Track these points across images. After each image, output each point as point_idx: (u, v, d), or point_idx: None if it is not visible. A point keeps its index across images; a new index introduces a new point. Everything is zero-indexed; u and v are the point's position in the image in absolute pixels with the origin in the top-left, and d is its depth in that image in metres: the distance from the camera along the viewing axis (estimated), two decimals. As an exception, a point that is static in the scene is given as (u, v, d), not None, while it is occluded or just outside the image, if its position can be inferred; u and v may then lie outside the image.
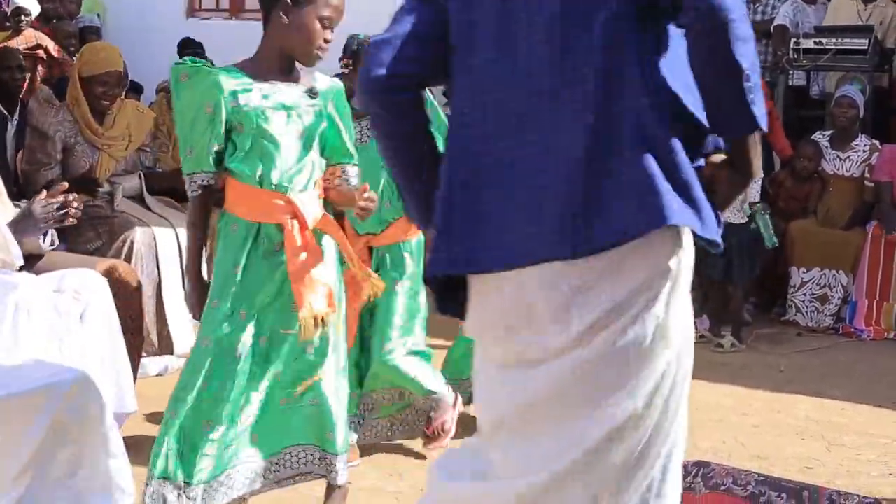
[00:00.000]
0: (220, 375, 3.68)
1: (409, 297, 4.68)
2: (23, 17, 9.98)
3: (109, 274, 4.78)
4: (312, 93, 3.74)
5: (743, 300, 7.36)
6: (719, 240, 2.44)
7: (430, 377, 4.70)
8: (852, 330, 7.65)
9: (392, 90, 2.58)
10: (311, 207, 3.74)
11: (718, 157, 2.49)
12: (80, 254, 5.43)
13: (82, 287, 4.50)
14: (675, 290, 2.45)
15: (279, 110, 3.65)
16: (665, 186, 2.33)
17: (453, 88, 2.62)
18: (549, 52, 2.43)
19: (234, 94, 3.60)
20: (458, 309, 2.62)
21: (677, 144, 2.37)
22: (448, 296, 2.63)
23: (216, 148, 3.64)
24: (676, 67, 2.42)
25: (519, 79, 2.47)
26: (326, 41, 3.65)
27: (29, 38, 9.82)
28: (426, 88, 2.76)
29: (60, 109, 5.93)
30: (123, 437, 3.93)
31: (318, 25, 3.61)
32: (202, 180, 3.68)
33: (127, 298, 4.86)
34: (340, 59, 4.45)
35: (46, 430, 3.75)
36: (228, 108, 3.60)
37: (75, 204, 4.36)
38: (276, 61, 3.69)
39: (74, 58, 8.63)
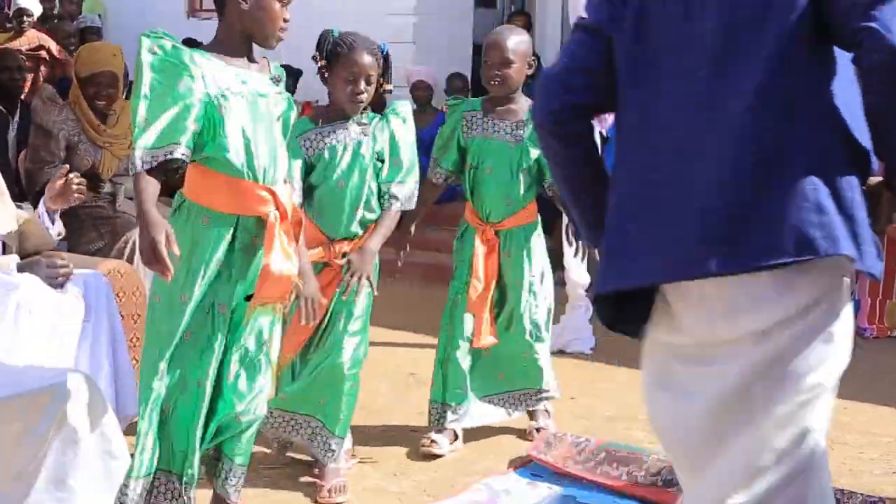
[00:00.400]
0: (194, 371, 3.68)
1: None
2: (25, 18, 10.00)
3: (112, 275, 4.78)
4: (276, 80, 3.69)
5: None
6: (877, 272, 2.51)
7: None
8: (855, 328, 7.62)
9: (566, 122, 2.72)
10: (287, 201, 3.68)
11: (875, 180, 2.55)
12: (81, 254, 5.44)
13: (85, 288, 4.51)
14: (840, 307, 2.53)
15: (258, 97, 3.58)
16: (833, 210, 2.40)
17: (620, 114, 2.73)
18: (716, 73, 2.51)
19: (214, 77, 3.49)
20: (629, 327, 2.77)
21: (845, 167, 2.45)
22: (618, 315, 2.75)
23: (194, 127, 3.44)
24: (844, 89, 2.48)
25: (688, 101, 2.54)
26: (285, 20, 3.61)
27: (31, 38, 9.85)
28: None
29: (63, 108, 5.93)
30: (125, 438, 3.92)
31: (277, 6, 3.55)
32: (167, 154, 3.40)
33: (129, 299, 4.85)
34: (316, 59, 4.29)
35: (48, 432, 3.74)
36: (209, 87, 3.46)
37: (76, 181, 4.39)
38: (240, 46, 3.60)
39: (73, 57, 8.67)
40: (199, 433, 3.69)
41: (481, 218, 4.94)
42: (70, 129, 5.88)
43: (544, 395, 5.17)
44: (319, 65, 4.23)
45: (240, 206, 3.57)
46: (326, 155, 4.28)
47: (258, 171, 3.55)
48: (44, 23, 10.68)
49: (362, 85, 4.20)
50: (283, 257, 3.58)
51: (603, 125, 6.69)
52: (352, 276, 4.28)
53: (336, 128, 4.31)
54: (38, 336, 4.20)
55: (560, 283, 7.60)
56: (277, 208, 3.58)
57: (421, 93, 10.01)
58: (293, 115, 3.78)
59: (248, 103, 3.53)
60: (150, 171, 3.42)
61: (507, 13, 11.71)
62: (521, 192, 4.94)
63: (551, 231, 8.68)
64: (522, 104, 4.91)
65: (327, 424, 4.41)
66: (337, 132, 4.31)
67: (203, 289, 3.57)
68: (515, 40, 4.82)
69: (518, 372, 5.09)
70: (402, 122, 4.40)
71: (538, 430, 5.11)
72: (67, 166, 4.46)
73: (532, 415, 5.21)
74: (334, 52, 4.20)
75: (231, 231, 3.57)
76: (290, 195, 3.74)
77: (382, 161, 4.36)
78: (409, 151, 4.40)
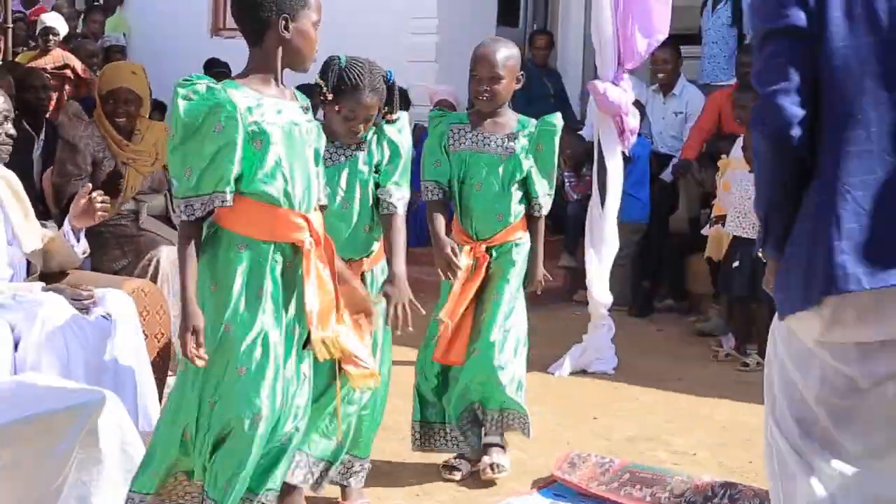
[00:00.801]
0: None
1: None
2: (51, 37, 10.06)
3: (136, 294, 4.79)
4: (305, 109, 3.68)
5: (768, 317, 7.29)
6: None
7: None
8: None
9: (799, 137, 2.78)
10: (321, 227, 3.67)
11: None
12: (105, 272, 5.47)
13: (110, 307, 4.52)
14: None
15: (293, 126, 3.56)
16: None
17: (841, 117, 2.78)
18: None
19: (249, 109, 3.46)
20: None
21: None
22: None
23: (237, 169, 3.43)
24: None
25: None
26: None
27: (56, 57, 9.91)
28: None
29: (89, 125, 5.98)
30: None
31: (314, 32, 3.59)
32: (219, 201, 3.42)
33: (153, 318, 4.87)
34: (321, 87, 4.13)
35: (71, 451, 3.76)
36: (246, 124, 3.43)
37: (100, 199, 4.39)
38: (272, 76, 3.59)
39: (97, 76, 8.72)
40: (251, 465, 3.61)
41: (470, 235, 4.80)
42: (95, 144, 5.91)
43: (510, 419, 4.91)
44: (324, 91, 4.10)
45: (276, 234, 3.54)
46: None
47: (294, 198, 3.54)
48: (68, 42, 10.74)
49: (361, 125, 4.14)
50: (318, 288, 3.57)
51: (626, 145, 6.69)
52: (395, 308, 4.18)
53: (331, 149, 4.17)
54: (63, 354, 4.22)
55: (583, 302, 7.61)
56: (311, 235, 3.57)
57: (444, 112, 9.98)
58: (323, 142, 3.77)
59: (283, 133, 3.51)
60: (195, 221, 3.45)
61: (528, 31, 11.71)
62: (514, 205, 4.79)
63: (574, 250, 8.71)
64: (510, 117, 4.80)
65: (349, 447, 4.38)
66: (333, 153, 4.21)
67: (245, 318, 3.50)
68: (505, 54, 4.70)
69: (480, 391, 4.85)
70: (397, 131, 4.32)
71: (493, 466, 4.81)
72: (90, 185, 4.47)
73: (485, 449, 4.91)
74: (339, 88, 4.09)
75: (268, 258, 3.53)
76: (322, 221, 3.71)
77: (379, 172, 4.28)
78: (405, 156, 4.29)
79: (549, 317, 8.33)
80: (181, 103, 3.39)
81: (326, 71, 4.11)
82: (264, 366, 3.49)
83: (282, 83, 3.62)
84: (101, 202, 4.57)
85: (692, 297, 8.65)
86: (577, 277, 8.59)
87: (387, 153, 4.25)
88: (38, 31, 10.39)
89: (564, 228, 9.06)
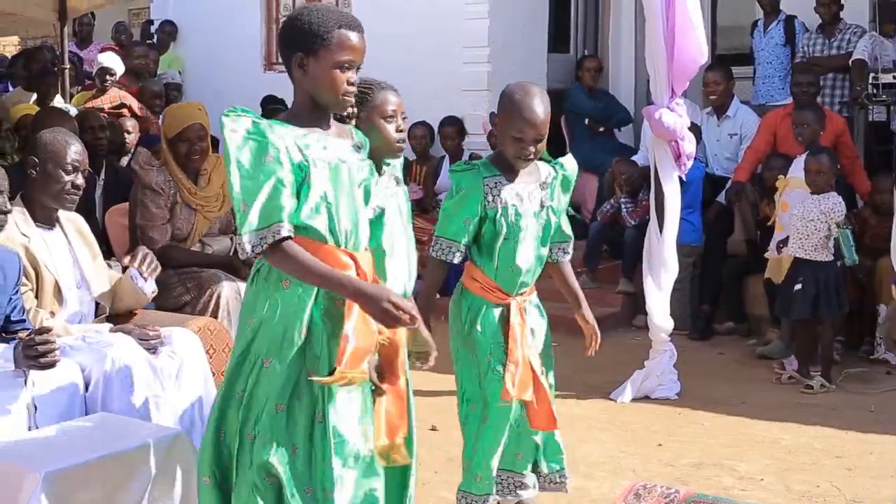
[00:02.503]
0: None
1: None
2: (108, 77, 10.20)
3: (202, 332, 4.85)
4: (358, 147, 3.63)
5: (832, 339, 7.26)
6: None
7: None
8: (944, 366, 7.53)
9: None
10: (370, 267, 3.61)
11: None
12: (168, 308, 5.51)
13: (177, 345, 4.58)
14: None
15: (340, 163, 3.50)
16: None
17: None
18: None
19: (295, 145, 3.39)
20: None
21: None
22: None
23: (293, 202, 3.36)
24: None
25: None
26: (350, 83, 3.49)
27: (113, 97, 10.04)
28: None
29: (161, 171, 5.95)
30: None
31: (336, 72, 3.44)
32: (274, 234, 3.31)
33: (219, 356, 4.92)
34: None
35: (144, 489, 3.81)
36: (293, 159, 3.37)
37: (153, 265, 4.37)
38: (314, 111, 3.52)
39: (160, 117, 8.82)
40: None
41: (508, 292, 4.44)
42: (169, 190, 5.92)
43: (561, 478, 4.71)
44: (349, 112, 3.92)
45: None
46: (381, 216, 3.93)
47: (340, 235, 3.49)
48: (133, 81, 10.86)
49: (401, 121, 4.05)
50: (363, 325, 3.49)
51: (682, 169, 6.69)
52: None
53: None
54: (132, 394, 4.28)
55: (642, 327, 7.60)
56: (358, 273, 3.51)
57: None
58: (374, 181, 3.69)
59: (329, 169, 3.46)
60: (260, 255, 3.36)
61: (579, 57, 11.73)
62: (546, 254, 4.57)
63: (632, 276, 8.70)
64: (538, 163, 4.51)
65: None
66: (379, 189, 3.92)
67: (289, 355, 3.44)
68: (546, 110, 4.38)
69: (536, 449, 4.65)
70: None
71: None
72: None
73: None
74: (362, 99, 3.96)
75: (313, 296, 3.47)
76: (371, 261, 3.66)
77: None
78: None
79: (609, 342, 8.23)
80: (231, 137, 3.34)
81: None
82: (300, 407, 3.45)
83: (326, 120, 3.55)
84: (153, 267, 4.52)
85: (751, 319, 8.60)
86: (635, 303, 8.58)
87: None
88: (94, 72, 10.54)
89: (622, 254, 9.06)
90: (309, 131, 3.46)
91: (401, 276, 3.95)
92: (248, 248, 3.34)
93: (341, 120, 3.82)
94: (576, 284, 4.75)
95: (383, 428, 3.53)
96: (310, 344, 3.45)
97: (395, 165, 4.10)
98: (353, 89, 3.52)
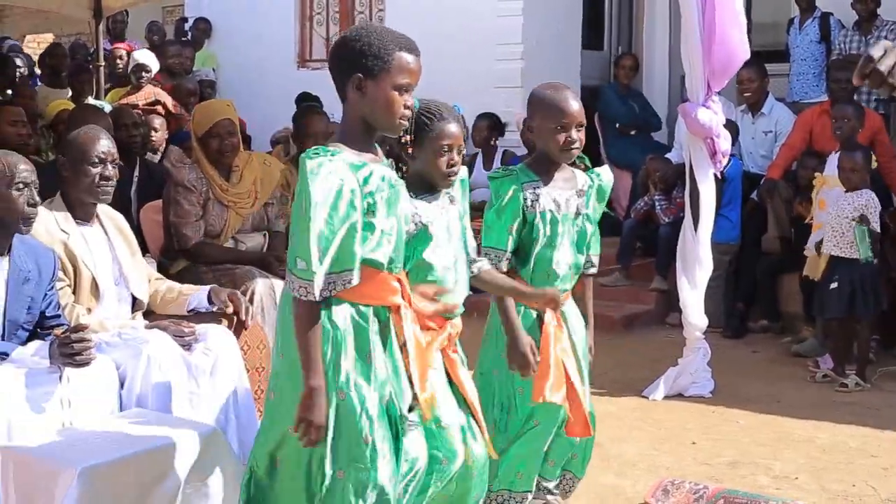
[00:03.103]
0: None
1: None
2: (143, 74, 10.24)
3: (236, 329, 4.86)
4: (392, 167, 3.60)
5: (868, 338, 7.21)
6: None
7: None
8: (980, 365, 7.47)
9: None
10: (409, 287, 3.61)
11: None
12: (203, 305, 5.52)
13: (211, 342, 4.59)
14: None
15: (391, 189, 3.45)
16: None
17: None
18: None
19: (366, 180, 3.34)
20: None
21: None
22: None
23: (360, 249, 3.33)
24: None
25: None
26: (407, 107, 3.46)
27: (148, 94, 10.10)
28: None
29: (192, 168, 5.98)
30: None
31: (395, 95, 3.41)
32: (345, 283, 3.32)
33: (254, 353, 4.93)
34: (396, 141, 3.92)
35: (179, 485, 3.83)
36: (364, 198, 3.33)
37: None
38: (365, 134, 3.48)
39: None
40: None
41: None
42: (202, 187, 5.93)
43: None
44: (404, 140, 3.84)
45: (376, 297, 3.47)
46: (426, 231, 3.91)
47: (394, 262, 3.50)
48: (168, 78, 10.91)
49: (456, 156, 3.95)
50: (416, 348, 3.53)
51: (718, 167, 6.66)
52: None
53: (428, 201, 3.95)
54: (167, 391, 4.29)
55: (676, 325, 7.57)
56: (403, 295, 3.53)
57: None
58: (408, 201, 3.69)
59: (385, 199, 3.42)
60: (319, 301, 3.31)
61: (614, 55, 11.71)
62: (582, 262, 4.55)
63: (665, 273, 8.67)
64: (571, 170, 4.49)
65: None
66: (429, 206, 3.94)
67: (347, 381, 3.40)
68: (579, 103, 4.38)
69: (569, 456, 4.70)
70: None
71: None
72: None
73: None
74: (421, 128, 3.88)
75: (369, 321, 3.44)
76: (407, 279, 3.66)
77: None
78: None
79: (643, 340, 8.31)
80: (310, 178, 3.25)
81: None
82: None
83: (374, 143, 3.53)
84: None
85: (785, 317, 8.56)
86: (669, 300, 8.55)
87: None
88: (130, 69, 10.59)
89: (656, 251, 9.03)
90: (367, 162, 3.40)
91: (461, 284, 3.97)
92: (316, 292, 3.27)
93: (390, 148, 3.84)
94: (590, 304, 4.71)
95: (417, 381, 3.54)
96: (376, 370, 3.44)
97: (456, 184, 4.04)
98: (409, 113, 3.49)
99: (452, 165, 3.93)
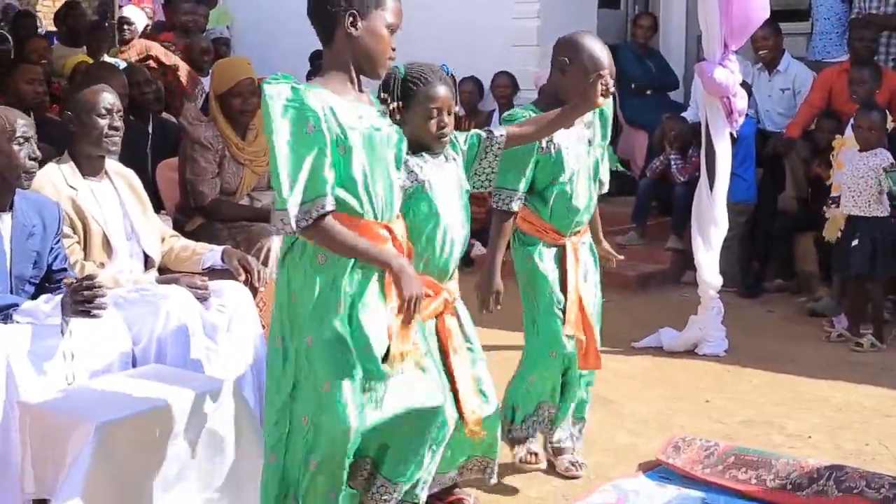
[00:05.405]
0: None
1: None
2: (125, 27, 10.17)
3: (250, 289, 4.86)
4: (383, 113, 3.59)
5: (883, 297, 7.20)
6: None
7: None
8: None
9: None
10: (404, 236, 3.59)
11: None
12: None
13: (227, 299, 4.60)
14: None
15: (373, 131, 3.44)
16: None
17: None
18: None
19: (333, 111, 3.32)
20: None
21: None
22: None
23: (333, 174, 3.30)
24: None
25: None
26: (393, 49, 3.49)
27: (140, 49, 9.99)
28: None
29: (209, 126, 5.96)
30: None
31: (387, 33, 3.45)
32: (319, 208, 3.27)
33: (269, 310, 4.92)
34: (386, 101, 3.88)
35: (197, 440, 3.85)
36: (332, 128, 3.31)
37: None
38: (348, 79, 3.45)
39: (209, 74, 8.80)
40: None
41: (563, 232, 4.59)
42: (218, 145, 5.91)
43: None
44: (392, 107, 3.85)
45: None
46: (422, 188, 3.94)
47: (376, 208, 3.45)
48: (182, 36, 10.84)
49: (446, 118, 3.94)
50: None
51: (734, 126, 6.63)
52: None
53: (425, 159, 3.96)
54: (185, 346, 4.30)
55: (691, 284, 7.56)
56: (394, 244, 3.50)
57: (549, 95, 9.96)
58: (405, 146, 3.64)
59: (364, 139, 3.40)
60: (305, 229, 3.29)
61: (631, 14, 11.63)
62: (596, 193, 4.72)
63: (681, 233, 8.65)
64: None
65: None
66: (426, 164, 3.95)
67: (329, 329, 3.39)
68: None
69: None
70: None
71: (575, 464, 4.79)
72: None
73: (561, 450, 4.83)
74: (408, 93, 3.91)
75: (346, 271, 3.40)
76: (405, 229, 3.64)
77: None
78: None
79: (658, 299, 8.31)
80: (272, 105, 3.26)
81: (388, 85, 3.92)
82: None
83: (359, 87, 3.50)
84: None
85: (801, 276, 8.54)
86: (684, 260, 8.53)
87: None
88: (117, 23, 10.52)
89: (671, 210, 9.01)
90: (342, 98, 3.39)
91: (457, 245, 3.98)
92: (292, 222, 3.27)
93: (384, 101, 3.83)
94: (598, 218, 4.88)
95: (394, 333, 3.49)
96: (354, 323, 3.41)
97: (453, 140, 4.05)
98: (395, 55, 3.51)
99: (443, 127, 3.93)
